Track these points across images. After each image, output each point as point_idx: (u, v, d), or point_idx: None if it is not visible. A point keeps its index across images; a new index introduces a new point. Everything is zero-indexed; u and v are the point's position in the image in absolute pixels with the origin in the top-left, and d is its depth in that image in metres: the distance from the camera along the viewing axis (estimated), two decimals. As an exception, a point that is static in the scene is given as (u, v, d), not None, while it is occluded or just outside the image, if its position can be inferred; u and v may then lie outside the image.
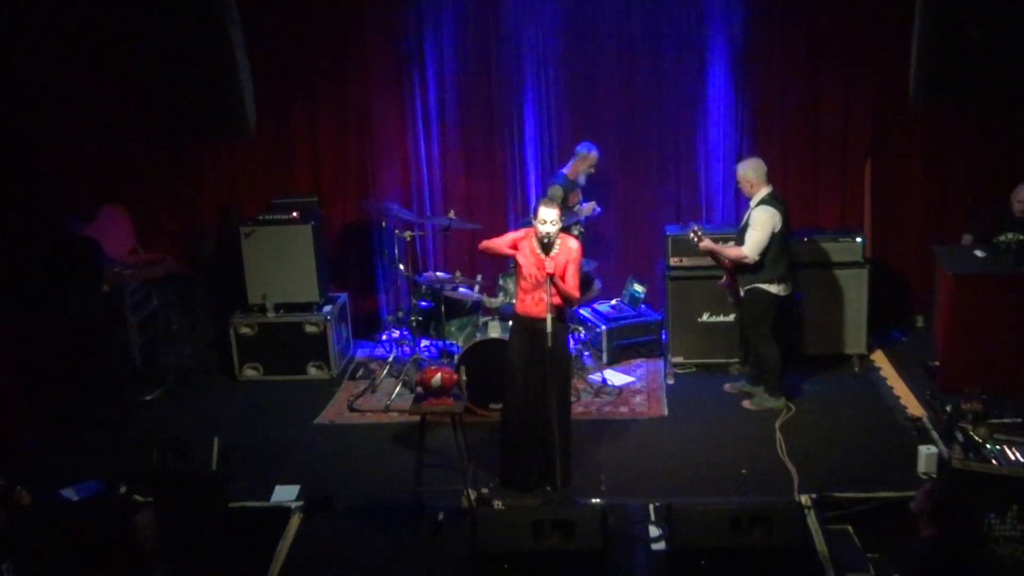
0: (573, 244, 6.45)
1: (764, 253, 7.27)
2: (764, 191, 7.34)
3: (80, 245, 7.75)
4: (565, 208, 8.04)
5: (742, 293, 7.48)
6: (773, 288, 7.35)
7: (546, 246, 6.27)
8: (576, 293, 6.48)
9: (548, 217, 6.24)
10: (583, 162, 8.26)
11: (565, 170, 8.31)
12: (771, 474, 6.68)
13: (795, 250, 7.77)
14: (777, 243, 7.28)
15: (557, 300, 6.24)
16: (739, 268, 7.41)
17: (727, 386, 8.03)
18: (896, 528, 5.92)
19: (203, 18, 7.68)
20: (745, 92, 8.98)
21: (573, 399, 7.18)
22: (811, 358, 8.28)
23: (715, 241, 7.58)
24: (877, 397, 7.88)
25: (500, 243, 6.51)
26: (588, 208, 8.41)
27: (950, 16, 7.34)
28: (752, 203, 7.38)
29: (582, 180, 8.34)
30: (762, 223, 7.26)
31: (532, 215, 6.42)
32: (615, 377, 8.35)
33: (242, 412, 8.07)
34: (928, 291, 8.43)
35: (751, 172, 7.37)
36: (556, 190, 8.10)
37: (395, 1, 8.99)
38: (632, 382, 8.30)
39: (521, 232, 6.48)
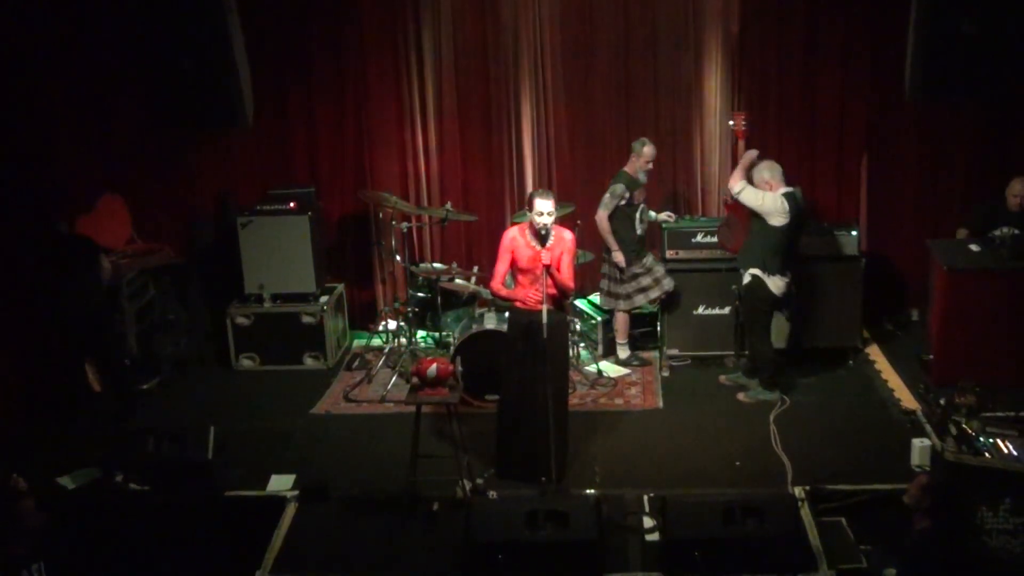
0: (567, 235, 6.46)
1: (758, 241, 7.30)
2: (783, 190, 7.34)
3: (75, 240, 7.73)
4: (631, 206, 8.05)
5: (745, 279, 7.50)
6: (771, 284, 7.36)
7: (542, 238, 6.28)
8: (572, 284, 6.49)
9: (545, 209, 6.25)
10: (639, 158, 8.08)
11: (626, 168, 8.14)
12: (765, 466, 6.70)
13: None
14: (775, 239, 7.28)
15: (553, 291, 6.25)
16: (742, 247, 7.48)
17: (723, 378, 8.05)
18: (889, 520, 5.96)
19: (201, 7, 7.68)
20: (741, 85, 8.97)
21: (569, 391, 7.19)
22: (806, 351, 8.28)
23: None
24: (871, 390, 7.90)
25: (503, 270, 6.47)
26: (664, 216, 8.47)
27: (946, 10, 7.35)
28: None
29: (643, 177, 8.13)
30: (765, 198, 7.24)
31: (527, 207, 6.43)
32: (610, 368, 8.37)
33: (238, 402, 8.08)
34: (923, 285, 8.45)
35: (766, 172, 7.35)
36: (618, 187, 7.99)
37: (393, -9, 9.01)
38: (627, 373, 8.32)
39: (510, 235, 6.47)
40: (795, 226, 7.34)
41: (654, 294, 8.24)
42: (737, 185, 7.32)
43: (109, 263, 7.68)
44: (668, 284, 8.21)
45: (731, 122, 7.77)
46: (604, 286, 8.31)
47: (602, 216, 8.03)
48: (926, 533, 5.03)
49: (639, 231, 8.15)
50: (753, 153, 7.47)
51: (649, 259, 8.23)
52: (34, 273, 7.56)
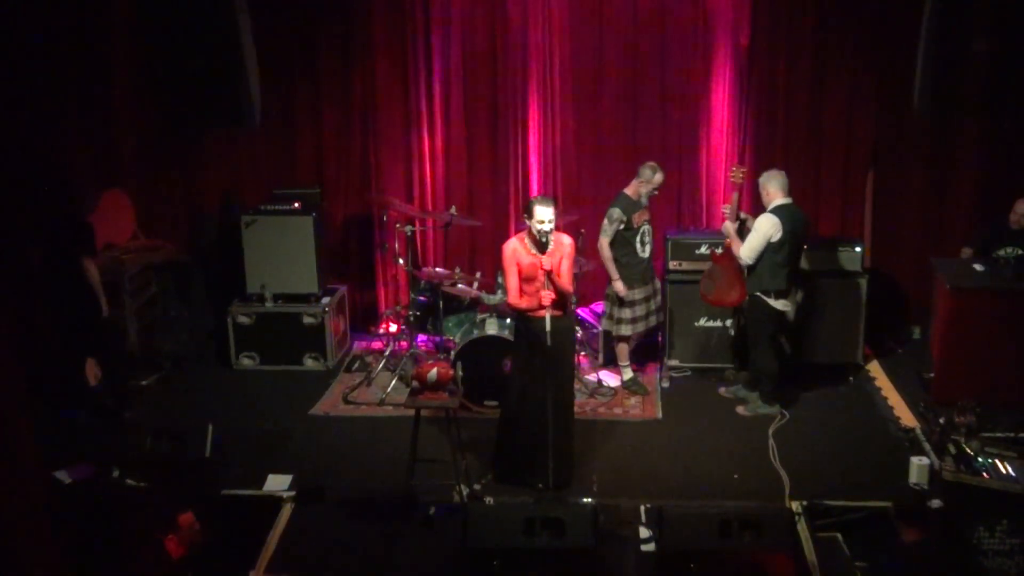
0: (567, 240, 6.46)
1: (759, 261, 7.30)
2: (778, 201, 7.35)
3: (81, 230, 7.71)
4: (630, 230, 7.83)
5: (747, 298, 7.51)
6: (772, 302, 7.36)
7: (542, 245, 6.27)
8: (570, 288, 6.47)
9: (546, 217, 6.24)
10: (645, 184, 7.87)
11: (627, 190, 7.95)
12: (763, 480, 6.69)
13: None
14: (777, 254, 7.28)
15: (555, 298, 6.24)
16: (748, 271, 7.45)
17: (722, 389, 8.03)
18: (885, 538, 5.97)
19: (211, 7, 7.69)
20: (749, 98, 8.98)
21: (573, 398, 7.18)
22: (806, 366, 8.27)
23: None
24: (871, 407, 7.89)
25: (515, 284, 6.41)
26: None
27: (956, 28, 7.35)
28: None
29: (644, 200, 7.91)
30: (759, 228, 7.29)
31: (526, 214, 6.39)
32: (610, 378, 8.36)
33: (237, 401, 8.08)
34: (926, 303, 8.45)
35: (770, 182, 7.39)
36: (614, 212, 7.80)
37: (403, -5, 9.02)
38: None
39: (510, 247, 6.45)
40: (792, 238, 7.33)
41: (653, 323, 8.21)
42: (744, 256, 7.33)
43: (95, 267, 7.57)
44: (653, 320, 8.18)
45: (731, 172, 7.71)
46: (606, 308, 8.23)
47: (603, 243, 7.90)
48: (914, 547, 5.01)
49: (642, 254, 7.94)
50: (732, 228, 7.49)
51: (650, 288, 8.11)
52: (39, 264, 7.55)
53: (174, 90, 8.13)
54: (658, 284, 8.20)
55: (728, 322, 8.15)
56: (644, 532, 6.05)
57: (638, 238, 7.90)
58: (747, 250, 7.32)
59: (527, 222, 6.35)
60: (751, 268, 7.38)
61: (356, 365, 8.75)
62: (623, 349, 8.22)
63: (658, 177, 7.89)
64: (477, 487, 6.52)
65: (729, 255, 7.52)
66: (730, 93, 9.02)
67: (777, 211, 7.30)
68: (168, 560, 5.39)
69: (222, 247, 9.15)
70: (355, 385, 8.28)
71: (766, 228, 7.26)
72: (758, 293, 7.39)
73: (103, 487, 6.23)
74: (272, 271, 8.62)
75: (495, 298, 8.04)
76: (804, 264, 7.92)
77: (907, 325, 9.22)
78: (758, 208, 7.59)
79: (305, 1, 8.98)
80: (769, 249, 7.27)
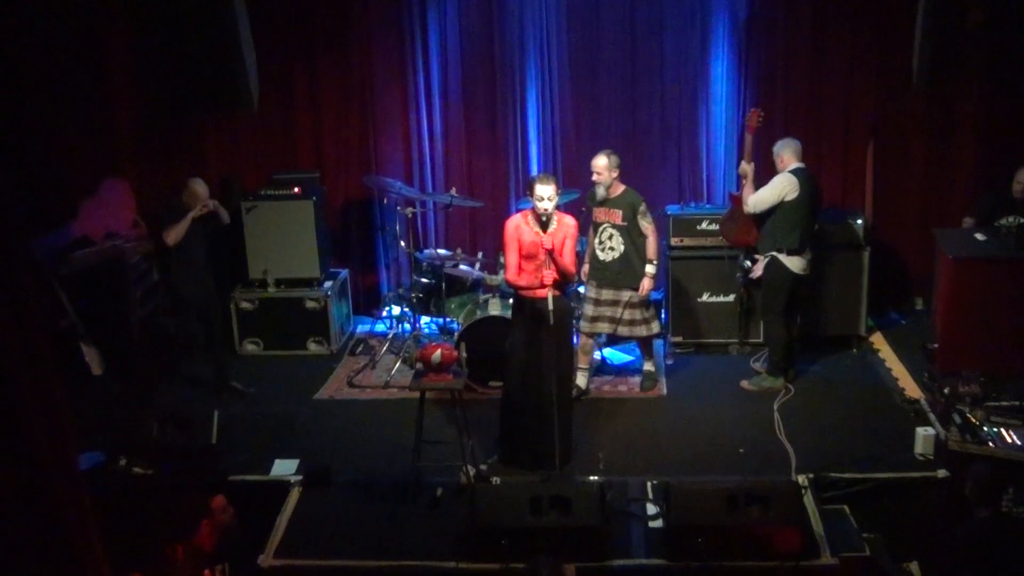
0: (570, 220, 6.45)
1: (773, 218, 7.31)
2: (793, 165, 7.37)
3: None
4: (590, 223, 7.41)
5: (763, 259, 7.49)
6: (788, 262, 7.34)
7: (544, 223, 6.27)
8: (573, 268, 6.46)
9: (545, 194, 6.24)
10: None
11: None
12: (769, 454, 6.70)
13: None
14: (793, 213, 7.28)
15: (556, 277, 6.24)
16: (760, 233, 7.45)
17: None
18: (895, 509, 5.98)
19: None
20: (748, 71, 8.95)
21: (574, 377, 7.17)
22: (810, 339, 8.26)
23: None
24: (875, 379, 7.89)
25: (514, 261, 6.37)
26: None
27: (955, -1, 7.33)
28: None
29: (598, 191, 7.33)
30: (774, 184, 7.32)
31: (527, 192, 6.41)
32: (614, 356, 8.36)
33: (242, 386, 8.07)
34: (928, 273, 8.44)
35: (784, 150, 7.41)
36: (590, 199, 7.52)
37: (399, -24, 8.98)
38: (631, 361, 8.30)
39: (512, 223, 6.44)
40: (809, 200, 7.33)
41: (604, 328, 7.58)
42: (750, 203, 7.36)
43: (113, 245, 7.58)
44: (604, 327, 7.52)
45: (749, 117, 7.63)
46: None
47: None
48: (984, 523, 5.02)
49: (600, 255, 7.40)
50: (750, 169, 7.49)
51: (610, 295, 7.46)
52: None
53: (172, 76, 8.11)
54: (629, 297, 7.38)
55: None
56: (651, 508, 6.07)
57: (597, 236, 7.44)
58: (756, 200, 7.34)
59: (530, 199, 6.35)
60: (763, 224, 7.38)
61: (360, 348, 8.76)
62: (580, 345, 7.57)
63: (593, 161, 7.37)
64: (483, 467, 6.53)
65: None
66: (729, 67, 8.98)
67: (793, 171, 7.31)
68: (201, 551, 5.39)
69: (223, 233, 9.11)
70: (359, 368, 8.29)
71: (782, 185, 7.27)
72: (773, 253, 7.37)
73: (112, 476, 6.26)
74: (274, 256, 8.62)
75: (497, 278, 8.03)
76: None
77: (910, 296, 9.21)
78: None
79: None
80: (785, 207, 7.27)
